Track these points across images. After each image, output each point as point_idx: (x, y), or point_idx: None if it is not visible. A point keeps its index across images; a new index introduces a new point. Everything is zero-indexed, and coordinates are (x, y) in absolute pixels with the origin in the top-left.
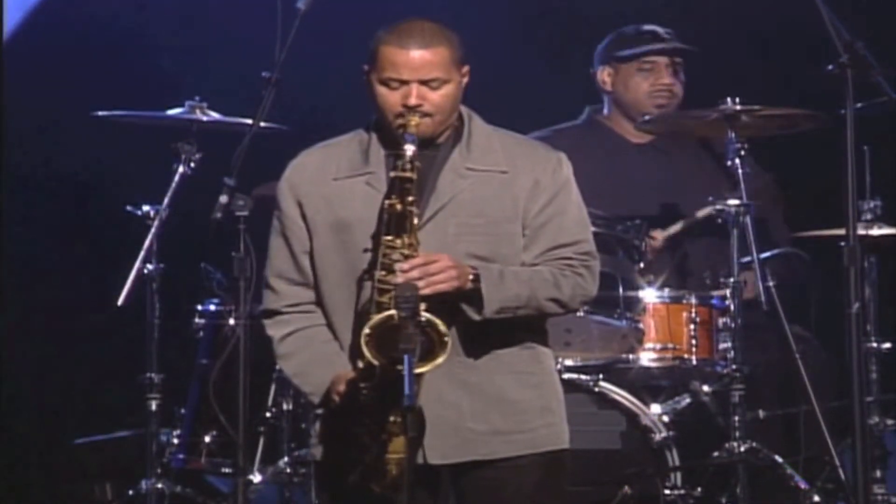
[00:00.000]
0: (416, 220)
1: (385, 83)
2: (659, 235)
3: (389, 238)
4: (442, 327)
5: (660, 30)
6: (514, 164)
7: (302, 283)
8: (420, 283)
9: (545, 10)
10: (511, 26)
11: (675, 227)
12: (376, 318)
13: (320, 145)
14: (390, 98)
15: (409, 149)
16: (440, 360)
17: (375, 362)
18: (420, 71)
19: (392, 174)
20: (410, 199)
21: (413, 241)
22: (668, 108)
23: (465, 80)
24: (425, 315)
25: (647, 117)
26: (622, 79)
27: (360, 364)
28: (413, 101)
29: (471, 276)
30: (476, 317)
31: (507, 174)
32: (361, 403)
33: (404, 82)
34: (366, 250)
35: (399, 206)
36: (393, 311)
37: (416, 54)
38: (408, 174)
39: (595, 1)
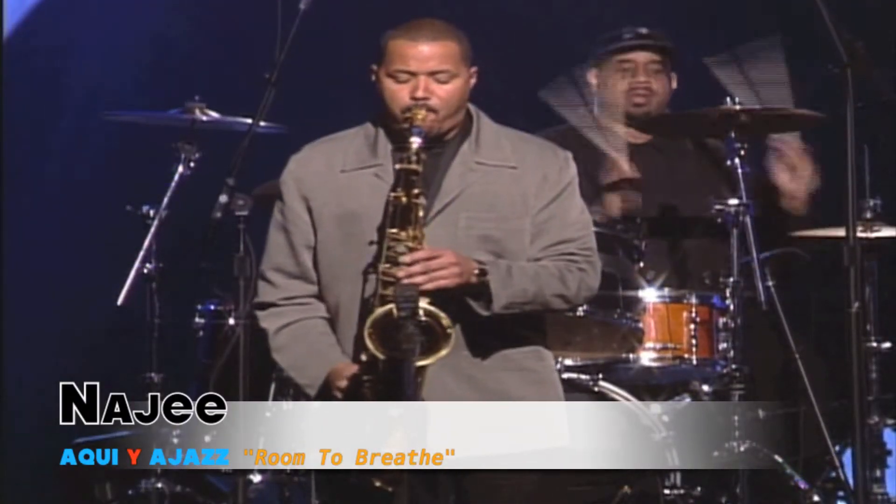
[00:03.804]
0: (421, 213)
1: (393, 76)
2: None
3: (394, 231)
4: (445, 320)
5: (643, 31)
6: (522, 160)
7: (300, 277)
8: (422, 278)
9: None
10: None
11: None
12: (378, 311)
13: (324, 139)
14: (398, 92)
15: (416, 141)
16: (443, 352)
17: (379, 355)
18: (429, 63)
19: (397, 166)
20: (416, 191)
21: (418, 234)
22: (647, 107)
23: (473, 80)
24: (427, 308)
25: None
26: (604, 79)
27: (364, 357)
28: (421, 93)
29: (476, 272)
30: (484, 312)
31: (516, 170)
32: (363, 397)
33: (412, 74)
34: (371, 243)
35: (404, 199)
36: (387, 310)
37: (426, 46)
38: (413, 166)
39: (596, 3)
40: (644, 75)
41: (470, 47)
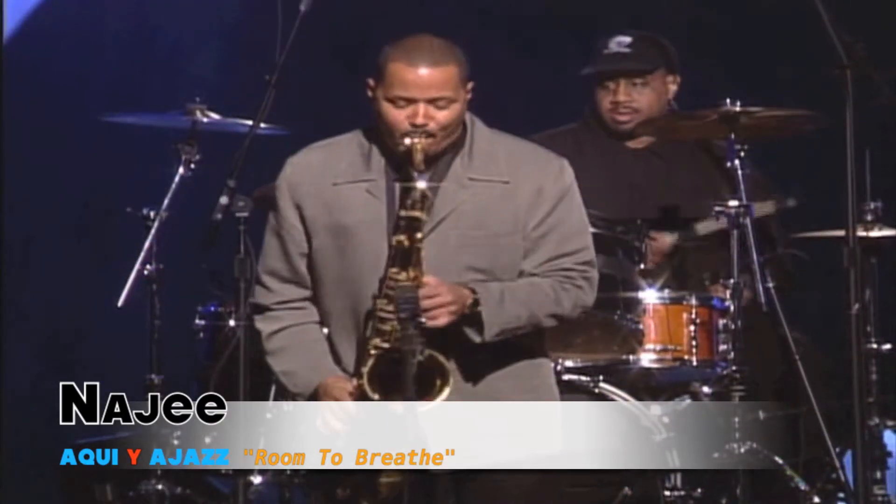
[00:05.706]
0: (422, 255)
1: (392, 101)
2: (667, 240)
3: (395, 270)
4: (446, 365)
5: (621, 43)
6: (516, 172)
7: (294, 282)
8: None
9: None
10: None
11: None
12: (371, 359)
13: (320, 144)
14: (397, 117)
15: (421, 185)
16: (445, 394)
17: (376, 397)
18: (429, 90)
19: (402, 213)
20: (419, 236)
21: (417, 274)
22: (631, 124)
23: (469, 96)
24: (429, 353)
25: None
26: (593, 93)
27: (351, 389)
28: (420, 119)
29: (469, 301)
30: (477, 339)
31: (508, 184)
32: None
33: (412, 101)
34: (371, 255)
35: (407, 243)
36: (383, 351)
37: (426, 73)
38: (417, 213)
39: (594, 2)
40: (625, 94)
41: (467, 64)
